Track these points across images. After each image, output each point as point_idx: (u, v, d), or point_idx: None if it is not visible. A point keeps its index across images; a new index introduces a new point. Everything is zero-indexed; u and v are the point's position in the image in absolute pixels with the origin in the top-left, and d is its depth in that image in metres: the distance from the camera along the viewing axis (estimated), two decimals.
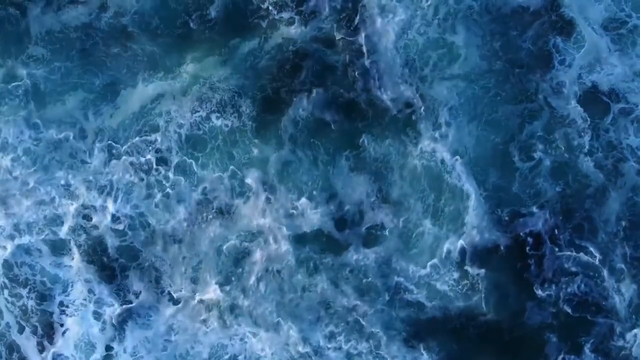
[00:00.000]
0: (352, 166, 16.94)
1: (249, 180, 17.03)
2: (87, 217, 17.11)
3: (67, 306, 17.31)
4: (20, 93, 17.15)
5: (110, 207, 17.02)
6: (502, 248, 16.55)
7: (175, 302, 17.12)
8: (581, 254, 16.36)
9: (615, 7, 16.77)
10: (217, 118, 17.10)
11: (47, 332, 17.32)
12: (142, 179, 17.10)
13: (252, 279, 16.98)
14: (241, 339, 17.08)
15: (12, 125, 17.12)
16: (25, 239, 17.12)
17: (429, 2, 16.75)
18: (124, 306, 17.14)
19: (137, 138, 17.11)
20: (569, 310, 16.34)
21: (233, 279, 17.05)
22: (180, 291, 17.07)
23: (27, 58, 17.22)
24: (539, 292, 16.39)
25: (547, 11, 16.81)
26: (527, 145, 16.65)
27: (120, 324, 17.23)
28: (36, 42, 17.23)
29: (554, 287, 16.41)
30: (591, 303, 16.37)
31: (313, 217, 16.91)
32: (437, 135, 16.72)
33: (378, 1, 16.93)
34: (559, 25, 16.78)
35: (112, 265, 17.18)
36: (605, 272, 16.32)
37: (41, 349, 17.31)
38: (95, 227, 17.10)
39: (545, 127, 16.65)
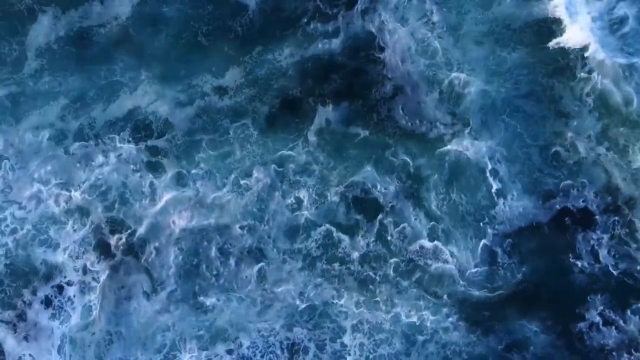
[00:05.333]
0: (378, 169, 17.70)
1: (255, 175, 17.70)
2: (81, 208, 17.70)
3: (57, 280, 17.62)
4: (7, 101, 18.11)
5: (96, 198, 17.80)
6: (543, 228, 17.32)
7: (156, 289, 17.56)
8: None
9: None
10: (236, 123, 17.92)
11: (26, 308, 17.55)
12: (142, 176, 17.85)
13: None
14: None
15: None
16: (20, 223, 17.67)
17: (443, 28, 17.92)
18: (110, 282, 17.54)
19: (137, 141, 17.91)
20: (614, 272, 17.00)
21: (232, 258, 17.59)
22: (168, 278, 17.51)
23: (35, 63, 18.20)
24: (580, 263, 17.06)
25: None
26: (554, 149, 17.53)
27: (103, 301, 17.53)
28: (36, 55, 18.22)
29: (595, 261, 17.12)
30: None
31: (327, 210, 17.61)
32: (468, 143, 17.61)
33: (395, 21, 18.10)
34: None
35: (106, 251, 17.62)
36: None
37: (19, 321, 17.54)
38: (87, 214, 17.68)
39: (576, 127, 17.55)
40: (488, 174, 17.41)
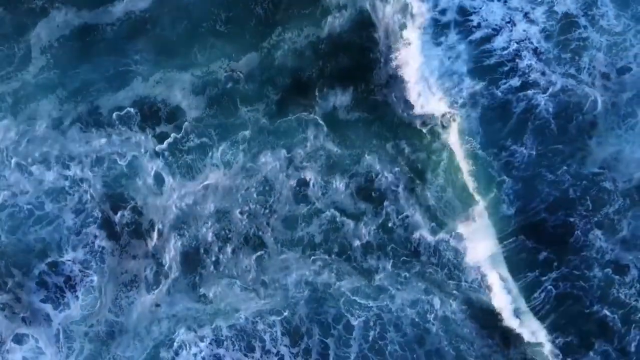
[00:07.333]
0: (378, 158, 17.56)
1: (263, 159, 17.87)
2: (85, 180, 18.21)
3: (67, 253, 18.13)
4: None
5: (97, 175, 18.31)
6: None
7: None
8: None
9: None
10: (246, 108, 18.12)
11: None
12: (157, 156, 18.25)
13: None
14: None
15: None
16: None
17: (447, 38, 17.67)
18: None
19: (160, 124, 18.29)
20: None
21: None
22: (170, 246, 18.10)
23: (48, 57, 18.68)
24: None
25: None
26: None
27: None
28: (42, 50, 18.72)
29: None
30: None
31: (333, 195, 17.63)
32: (466, 140, 17.29)
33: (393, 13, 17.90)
34: None
35: (108, 236, 18.19)
36: None
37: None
38: (91, 190, 18.21)
39: None
40: (486, 166, 16.88)
